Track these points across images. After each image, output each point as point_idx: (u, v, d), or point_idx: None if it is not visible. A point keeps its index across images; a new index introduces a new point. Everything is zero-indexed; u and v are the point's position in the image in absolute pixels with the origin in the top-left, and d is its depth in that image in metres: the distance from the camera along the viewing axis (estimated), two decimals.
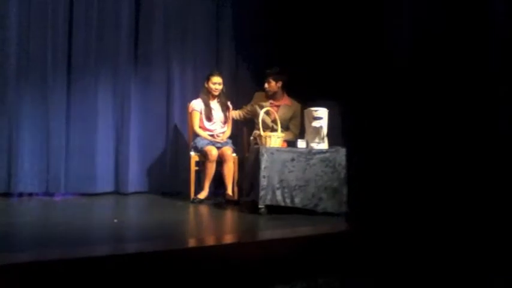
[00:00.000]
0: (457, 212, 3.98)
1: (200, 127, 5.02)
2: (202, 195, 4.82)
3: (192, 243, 3.33)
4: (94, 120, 5.09)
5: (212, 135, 5.01)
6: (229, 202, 4.76)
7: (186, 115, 5.22)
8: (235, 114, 5.23)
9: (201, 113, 5.02)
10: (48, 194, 4.87)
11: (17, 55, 4.77)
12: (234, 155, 4.95)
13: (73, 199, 4.87)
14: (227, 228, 4.09)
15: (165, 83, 5.46)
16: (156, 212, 4.54)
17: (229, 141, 5.03)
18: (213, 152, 4.77)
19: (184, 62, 5.54)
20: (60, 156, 4.92)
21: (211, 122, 5.04)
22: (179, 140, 5.46)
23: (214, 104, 5.10)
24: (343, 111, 4.75)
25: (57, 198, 4.82)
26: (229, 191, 4.83)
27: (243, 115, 5.24)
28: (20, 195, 4.78)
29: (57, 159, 4.91)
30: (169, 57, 5.46)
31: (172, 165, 5.42)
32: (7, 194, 4.74)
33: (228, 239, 3.54)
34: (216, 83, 5.03)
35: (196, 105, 5.05)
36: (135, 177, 5.25)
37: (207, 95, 5.05)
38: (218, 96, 5.09)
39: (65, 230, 3.50)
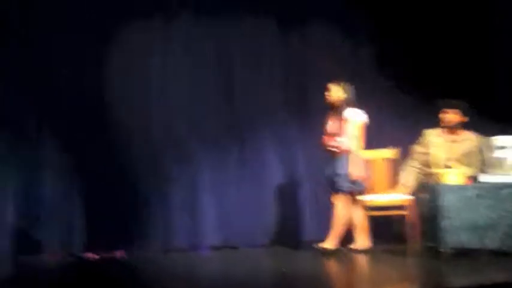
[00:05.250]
0: None
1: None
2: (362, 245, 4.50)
3: None
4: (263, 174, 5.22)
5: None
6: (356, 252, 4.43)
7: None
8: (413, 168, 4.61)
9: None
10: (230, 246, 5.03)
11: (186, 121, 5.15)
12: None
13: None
14: (411, 277, 3.75)
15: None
16: (319, 262, 4.28)
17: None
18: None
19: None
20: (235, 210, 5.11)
21: (327, 135, 4.60)
22: None
23: (332, 116, 4.61)
24: None
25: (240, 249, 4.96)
26: (357, 245, 4.47)
27: (420, 160, 4.58)
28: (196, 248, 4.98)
29: (233, 214, 5.10)
30: None
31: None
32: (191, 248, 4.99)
33: None
34: (326, 90, 4.59)
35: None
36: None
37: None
38: (337, 108, 4.55)
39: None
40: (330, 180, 4.50)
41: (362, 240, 4.51)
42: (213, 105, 5.21)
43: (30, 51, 4.82)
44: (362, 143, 4.56)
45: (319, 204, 5.21)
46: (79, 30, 4.84)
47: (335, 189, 4.46)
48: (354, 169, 4.42)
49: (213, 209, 5.09)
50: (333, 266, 4.13)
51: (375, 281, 3.69)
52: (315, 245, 4.47)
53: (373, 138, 5.02)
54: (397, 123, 5.22)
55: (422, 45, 5.29)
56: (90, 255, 4.71)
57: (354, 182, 4.44)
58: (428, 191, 4.21)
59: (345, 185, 4.42)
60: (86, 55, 4.84)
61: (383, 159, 5.01)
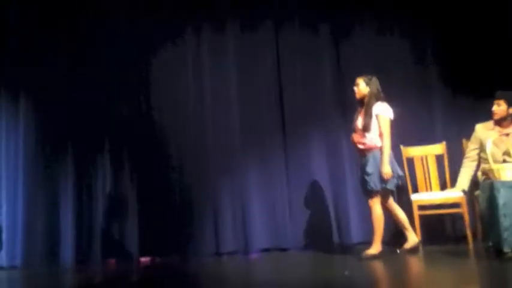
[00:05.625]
0: None
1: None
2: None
3: None
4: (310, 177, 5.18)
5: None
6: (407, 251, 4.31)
7: None
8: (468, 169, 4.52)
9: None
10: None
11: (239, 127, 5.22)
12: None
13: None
14: (472, 280, 3.59)
15: None
16: (372, 265, 4.12)
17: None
18: None
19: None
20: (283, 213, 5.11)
21: (356, 132, 4.33)
22: None
23: (361, 112, 4.35)
24: None
25: (254, 256, 4.94)
26: (407, 244, 4.34)
27: (474, 156, 4.51)
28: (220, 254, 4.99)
29: (280, 217, 5.10)
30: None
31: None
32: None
33: None
34: (355, 84, 4.38)
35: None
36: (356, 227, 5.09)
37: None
38: (365, 103, 4.30)
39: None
40: (362, 180, 4.23)
41: (410, 238, 4.35)
42: (260, 110, 5.22)
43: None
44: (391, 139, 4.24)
45: (365, 206, 5.12)
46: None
47: (368, 190, 4.19)
48: (385, 167, 4.15)
49: (261, 212, 5.09)
50: (387, 270, 4.02)
51: (438, 283, 3.51)
52: (362, 255, 4.21)
53: (419, 135, 4.97)
54: (446, 118, 5.13)
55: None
56: (145, 260, 4.92)
57: (386, 181, 4.16)
58: (484, 188, 4.08)
59: (377, 184, 4.16)
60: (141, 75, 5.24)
61: (432, 155, 4.90)
